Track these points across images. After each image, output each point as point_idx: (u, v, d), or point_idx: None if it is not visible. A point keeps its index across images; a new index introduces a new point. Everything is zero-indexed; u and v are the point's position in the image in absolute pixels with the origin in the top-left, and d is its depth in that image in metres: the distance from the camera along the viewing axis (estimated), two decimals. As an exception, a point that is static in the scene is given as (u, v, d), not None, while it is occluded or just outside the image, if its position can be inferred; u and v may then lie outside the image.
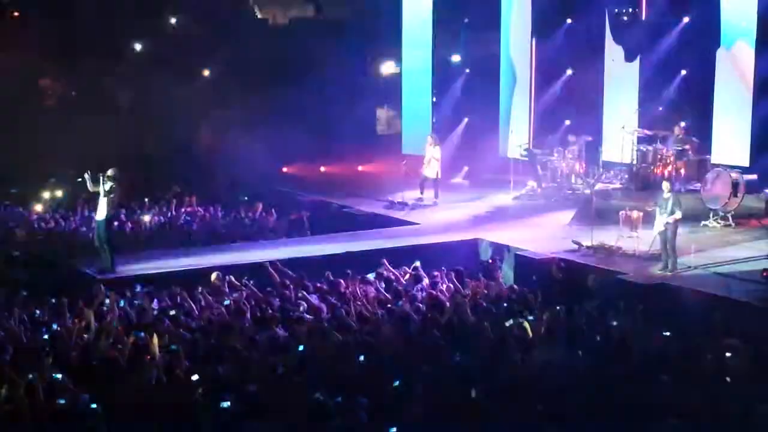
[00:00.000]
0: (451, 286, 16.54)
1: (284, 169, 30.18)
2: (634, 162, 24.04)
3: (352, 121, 29.88)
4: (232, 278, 16.50)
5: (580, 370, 12.02)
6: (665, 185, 17.81)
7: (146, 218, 23.49)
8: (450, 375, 11.68)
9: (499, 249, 19.62)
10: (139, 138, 31.24)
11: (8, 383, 11.15)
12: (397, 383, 11.20)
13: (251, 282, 16.52)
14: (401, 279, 16.94)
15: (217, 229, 23.02)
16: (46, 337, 13.66)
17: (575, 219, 21.34)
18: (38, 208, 25.19)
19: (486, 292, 16.33)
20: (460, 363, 12.16)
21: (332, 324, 13.96)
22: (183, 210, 24.99)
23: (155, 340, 12.79)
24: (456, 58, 29.83)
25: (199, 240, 21.92)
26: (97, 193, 17.64)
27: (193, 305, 15.06)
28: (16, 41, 30.67)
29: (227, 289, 16.16)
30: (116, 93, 33.37)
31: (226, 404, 10.53)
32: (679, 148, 22.89)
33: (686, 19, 24.55)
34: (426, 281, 16.86)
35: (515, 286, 16.95)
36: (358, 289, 16.06)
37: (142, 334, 13.16)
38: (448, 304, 15.06)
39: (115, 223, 19.31)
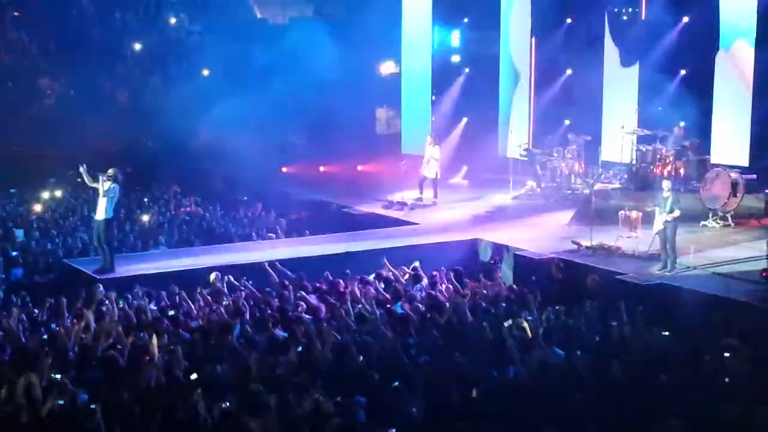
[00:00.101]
0: (450, 286, 16.53)
1: (283, 169, 30.18)
2: (634, 162, 24.04)
3: (352, 121, 29.87)
4: (231, 278, 16.50)
5: (579, 370, 12.01)
6: (665, 184, 17.80)
7: (145, 218, 23.50)
8: (449, 375, 11.66)
9: (499, 249, 19.62)
10: (137, 137, 31.30)
11: (7, 383, 11.14)
12: (396, 383, 11.19)
13: (250, 282, 16.52)
14: (400, 279, 16.93)
15: (216, 229, 23.02)
16: (45, 337, 13.65)
17: (574, 219, 21.33)
18: (37, 208, 25.17)
19: (485, 292, 16.32)
20: (459, 363, 12.15)
21: (331, 324, 13.95)
22: (182, 210, 25.01)
23: (154, 340, 12.77)
24: (455, 58, 29.84)
25: (199, 240, 21.93)
26: (96, 191, 17.61)
27: (192, 305, 15.05)
28: (15, 41, 30.70)
29: (226, 290, 16.15)
30: (115, 92, 33.40)
31: (225, 404, 10.53)
32: (679, 148, 22.89)
33: (686, 19, 24.57)
34: (425, 281, 16.86)
35: (514, 286, 16.96)
36: (357, 289, 16.05)
37: (142, 334, 13.16)
38: (447, 304, 15.04)
39: (115, 223, 19.29)
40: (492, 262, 19.33)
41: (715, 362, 12.17)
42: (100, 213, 17.47)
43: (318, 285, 16.41)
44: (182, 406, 10.55)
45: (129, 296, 15.74)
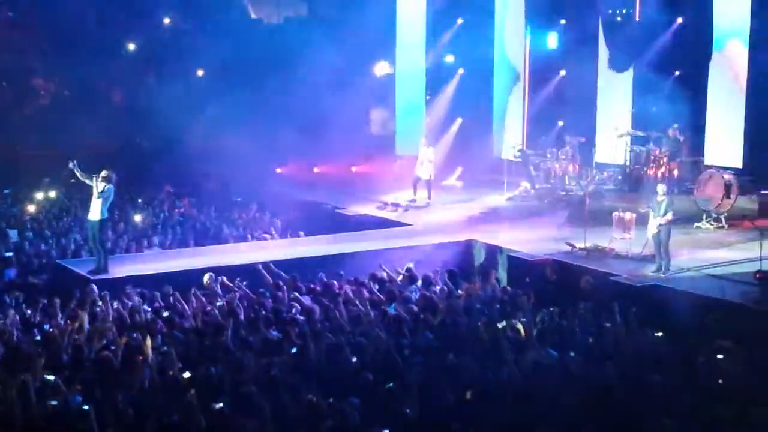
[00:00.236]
0: (445, 287, 16.53)
1: (277, 170, 30.16)
2: (628, 163, 24.09)
3: (346, 122, 29.85)
4: (225, 279, 16.49)
5: (573, 371, 12.02)
6: (660, 188, 17.82)
7: (138, 218, 23.46)
8: (443, 376, 11.66)
9: (493, 250, 19.63)
10: (132, 137, 31.26)
11: (0, 384, 11.13)
12: (390, 384, 11.19)
13: (244, 283, 16.51)
14: (395, 280, 16.93)
15: (210, 230, 23.01)
16: (38, 338, 13.64)
17: (568, 220, 21.34)
18: (31, 208, 25.13)
19: (479, 293, 16.32)
20: (453, 364, 12.15)
21: (325, 325, 13.95)
22: (176, 211, 24.98)
23: (148, 341, 12.77)
24: (450, 59, 29.85)
25: (193, 241, 21.92)
26: (90, 190, 17.59)
27: (186, 306, 15.04)
28: (9, 41, 30.65)
29: (220, 291, 16.14)
30: (109, 92, 33.36)
31: (219, 405, 10.53)
32: (673, 150, 22.93)
33: (679, 20, 24.60)
34: (419, 282, 16.86)
35: (508, 288, 16.95)
36: (351, 290, 16.04)
37: (135, 335, 13.15)
38: (441, 305, 15.04)
39: (109, 224, 19.27)
40: (486, 263, 19.33)
41: (709, 364, 12.18)
42: (94, 213, 17.45)
43: (312, 286, 16.41)
44: (176, 407, 10.55)
45: (123, 297, 15.72)
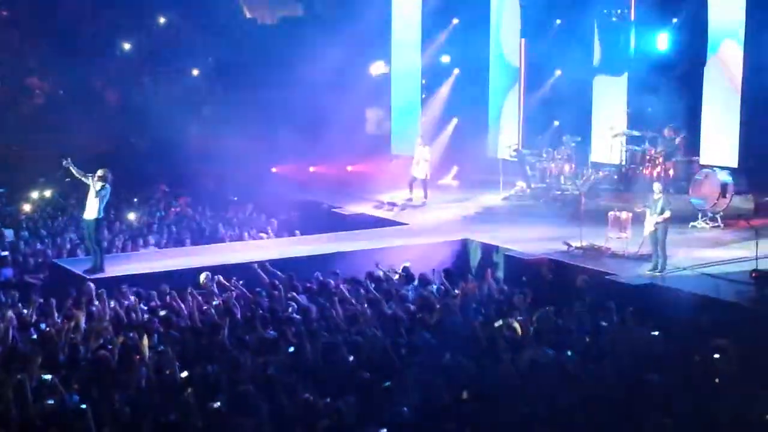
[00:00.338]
0: (441, 286, 16.54)
1: (273, 169, 30.15)
2: (623, 163, 24.10)
3: (342, 121, 29.84)
4: (221, 278, 16.48)
5: (569, 370, 12.03)
6: (656, 186, 17.84)
7: (132, 216, 23.41)
8: (440, 375, 11.67)
9: (489, 249, 19.63)
10: (127, 137, 31.24)
11: (-3, 384, 11.13)
12: (386, 383, 11.19)
13: (240, 282, 16.51)
14: (391, 279, 16.93)
15: (206, 229, 22.99)
16: (35, 337, 13.63)
17: (564, 219, 21.34)
18: (27, 207, 25.11)
19: (476, 292, 16.32)
20: (450, 363, 12.16)
21: (321, 324, 13.95)
22: (172, 210, 24.97)
23: (145, 340, 12.77)
24: (445, 59, 29.85)
25: (189, 240, 21.90)
26: (87, 188, 17.57)
27: (182, 305, 15.03)
28: (4, 40, 30.62)
29: (216, 290, 16.13)
30: (104, 91, 33.34)
31: (216, 404, 10.53)
32: (668, 149, 22.95)
33: (675, 20, 24.60)
34: (416, 281, 16.87)
35: (505, 287, 16.96)
36: (347, 289, 16.04)
37: (132, 334, 13.14)
38: (437, 304, 15.05)
39: (104, 223, 19.25)
40: (482, 262, 19.33)
41: (705, 362, 12.20)
42: (91, 212, 17.43)
43: (308, 285, 16.41)
44: (173, 406, 10.55)
45: (119, 296, 15.71)
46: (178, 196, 26.50)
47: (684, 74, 23.84)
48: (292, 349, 12.79)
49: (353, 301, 15.38)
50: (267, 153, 28.82)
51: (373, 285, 16.46)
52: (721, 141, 22.41)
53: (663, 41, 24.64)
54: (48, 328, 13.86)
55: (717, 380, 11.78)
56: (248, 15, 35.61)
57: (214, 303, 15.21)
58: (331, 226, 22.51)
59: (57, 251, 20.52)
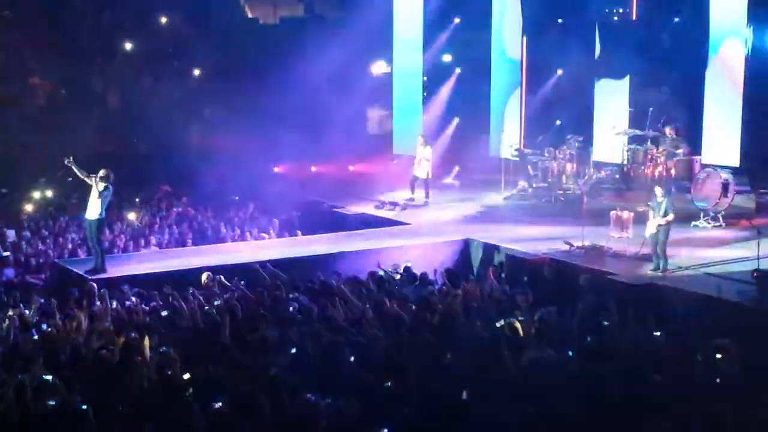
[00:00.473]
0: (443, 286, 16.53)
1: (275, 169, 30.14)
2: (625, 162, 24.09)
3: (343, 121, 29.85)
4: (223, 279, 16.49)
5: (570, 370, 12.02)
6: (658, 189, 17.83)
7: (131, 216, 23.41)
8: (441, 375, 11.66)
9: (490, 249, 19.63)
10: (128, 137, 31.24)
11: (-2, 384, 11.13)
12: (388, 383, 11.18)
13: (242, 282, 16.50)
14: (393, 279, 16.92)
15: (207, 229, 23.00)
16: (36, 337, 13.63)
17: (566, 219, 21.34)
18: (28, 207, 25.12)
19: (477, 292, 16.31)
20: (452, 363, 12.15)
21: (323, 324, 13.94)
22: (174, 210, 24.98)
23: (146, 340, 12.76)
24: (447, 58, 29.84)
25: (190, 240, 21.92)
26: (87, 186, 17.58)
27: (184, 305, 15.03)
28: (6, 40, 30.62)
29: (218, 290, 16.13)
30: (106, 92, 33.35)
31: (217, 405, 10.52)
32: (670, 149, 22.93)
33: (676, 19, 24.59)
34: (417, 281, 16.85)
35: (506, 287, 16.94)
36: (348, 289, 16.03)
37: (134, 334, 13.14)
38: (439, 304, 15.04)
39: (106, 223, 19.26)
40: (483, 262, 19.32)
41: (707, 362, 12.18)
42: (93, 212, 17.45)
43: (310, 285, 16.40)
44: (175, 406, 10.54)
45: (121, 296, 15.71)
46: (180, 196, 26.50)
47: (686, 73, 23.82)
48: (293, 349, 12.77)
49: (355, 301, 15.37)
50: (268, 153, 28.81)
51: (375, 285, 16.46)
52: (722, 140, 22.39)
53: (664, 40, 24.62)
54: (49, 329, 13.87)
55: (719, 380, 11.75)
56: (250, 15, 35.63)
57: (215, 303, 15.20)
58: (333, 226, 22.52)
59: (59, 251, 20.54)
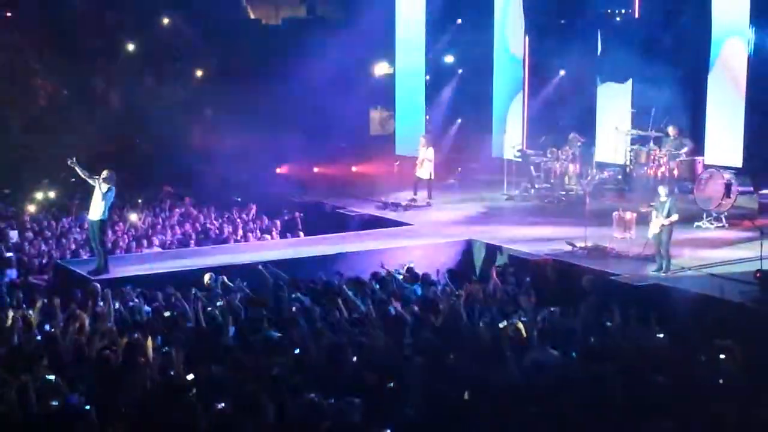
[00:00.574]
0: (445, 287, 16.52)
1: (277, 170, 30.16)
2: (628, 163, 24.07)
3: (346, 122, 29.87)
4: (226, 279, 16.49)
5: (573, 371, 12.01)
6: (662, 190, 17.81)
7: (133, 217, 23.41)
8: (444, 376, 11.65)
9: (493, 250, 19.62)
10: (131, 138, 31.24)
11: (1, 385, 11.11)
12: (391, 384, 11.17)
13: (245, 283, 16.50)
14: (395, 279, 16.91)
15: (210, 230, 23.00)
16: (39, 338, 13.63)
17: (569, 220, 21.33)
18: (31, 208, 25.14)
19: (480, 292, 16.30)
20: (454, 364, 12.14)
21: (325, 325, 13.94)
22: (177, 211, 24.98)
23: (149, 341, 12.76)
24: (449, 59, 29.84)
25: (193, 241, 21.92)
26: (90, 187, 17.59)
27: (186, 306, 15.02)
28: (8, 41, 30.63)
29: (221, 290, 16.13)
30: (108, 92, 33.35)
31: (220, 405, 10.52)
32: (673, 149, 22.91)
33: (679, 19, 24.55)
34: (420, 282, 16.84)
35: (509, 288, 16.93)
36: (351, 290, 16.02)
37: (136, 335, 13.14)
38: (442, 305, 15.03)
39: (108, 224, 19.26)
40: (487, 263, 19.30)
41: (709, 363, 12.17)
42: (96, 213, 17.47)
43: (312, 286, 16.40)
44: (177, 406, 10.54)
45: (123, 297, 15.71)
46: (183, 197, 26.51)
47: (688, 73, 23.80)
48: (296, 350, 12.77)
49: (357, 301, 15.36)
50: (271, 153, 28.83)
51: (378, 286, 16.46)
52: (725, 141, 22.37)
53: (667, 40, 24.59)
54: (52, 329, 13.86)
55: (721, 381, 11.74)
56: (252, 16, 35.64)
57: (218, 304, 15.20)
58: (335, 226, 22.53)
59: (61, 252, 20.55)
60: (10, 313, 14.45)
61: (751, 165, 22.08)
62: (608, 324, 14.01)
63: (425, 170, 24.35)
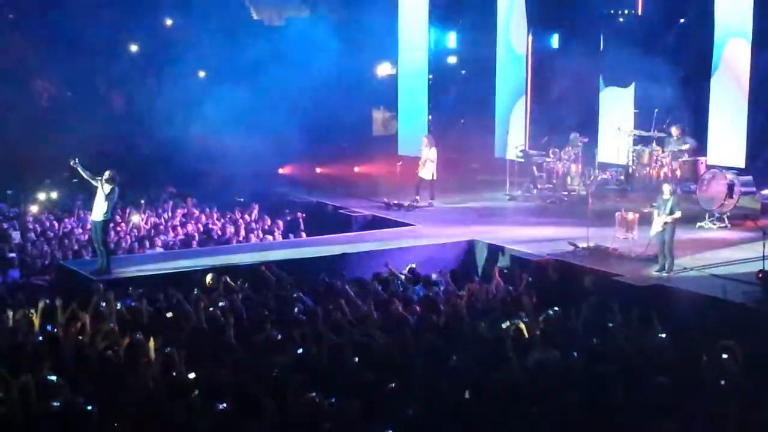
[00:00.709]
0: (448, 287, 16.51)
1: (280, 170, 30.16)
2: (630, 163, 24.06)
3: (348, 122, 29.87)
4: (228, 279, 16.48)
5: (575, 371, 12.00)
6: (666, 187, 17.79)
7: (135, 218, 23.41)
8: (446, 376, 11.64)
9: (495, 250, 19.61)
10: (133, 138, 31.25)
11: (2, 385, 11.11)
12: (392, 385, 11.17)
13: (246, 284, 16.49)
14: (398, 280, 16.91)
15: (212, 230, 23.01)
16: (41, 338, 13.63)
17: (571, 220, 21.32)
18: (34, 209, 25.15)
19: (482, 293, 16.29)
20: (456, 364, 12.13)
21: (327, 325, 13.93)
22: (179, 211, 24.99)
23: (151, 341, 12.75)
24: (452, 59, 29.82)
25: (195, 241, 21.92)
26: (92, 188, 17.61)
27: (188, 307, 15.02)
28: (10, 42, 30.65)
29: (223, 291, 16.12)
30: (110, 93, 33.36)
31: (222, 406, 10.51)
32: (676, 150, 22.90)
33: (682, 20, 24.57)
34: (422, 282, 16.84)
35: (511, 288, 16.92)
36: (353, 290, 16.02)
37: (138, 335, 13.13)
38: (444, 305, 15.02)
39: (111, 224, 19.27)
40: (488, 263, 19.30)
41: (712, 364, 12.16)
42: (99, 214, 17.48)
43: (314, 286, 16.40)
44: (179, 406, 10.54)
45: (126, 297, 15.71)
46: (185, 197, 26.51)
47: (691, 74, 23.80)
48: (297, 350, 12.76)
49: (359, 302, 15.36)
50: (273, 154, 28.82)
51: (380, 286, 16.46)
52: (728, 141, 22.37)
53: (670, 40, 24.59)
54: (54, 330, 13.86)
55: (723, 382, 11.73)
56: (255, 16, 35.62)
57: (220, 304, 15.19)
58: (338, 227, 22.53)
59: (64, 253, 20.55)
60: (12, 314, 14.45)
61: (754, 165, 22.07)
62: (610, 324, 13.99)
63: (427, 171, 24.35)
